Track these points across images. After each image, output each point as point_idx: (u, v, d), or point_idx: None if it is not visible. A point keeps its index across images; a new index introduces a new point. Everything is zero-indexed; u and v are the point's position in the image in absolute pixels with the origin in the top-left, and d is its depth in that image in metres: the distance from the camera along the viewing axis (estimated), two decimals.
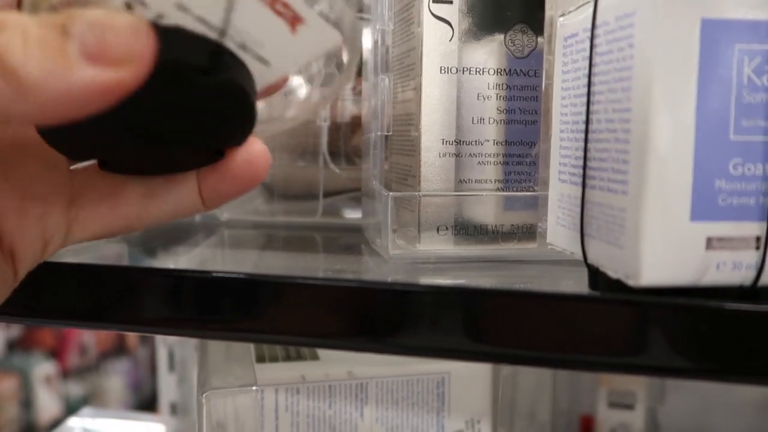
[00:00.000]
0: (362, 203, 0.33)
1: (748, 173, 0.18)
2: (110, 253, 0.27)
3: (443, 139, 0.26)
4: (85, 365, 1.57)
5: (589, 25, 0.21)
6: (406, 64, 0.27)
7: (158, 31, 0.15)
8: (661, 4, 0.18)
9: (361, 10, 0.33)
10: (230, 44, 0.17)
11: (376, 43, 0.28)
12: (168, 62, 0.15)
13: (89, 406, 1.47)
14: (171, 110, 0.16)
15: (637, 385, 0.46)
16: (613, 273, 0.20)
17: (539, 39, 0.27)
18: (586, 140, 0.21)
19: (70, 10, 0.14)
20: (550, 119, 0.26)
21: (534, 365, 0.20)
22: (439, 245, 0.26)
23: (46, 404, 1.42)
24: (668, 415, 0.47)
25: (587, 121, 0.21)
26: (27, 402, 1.39)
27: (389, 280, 0.22)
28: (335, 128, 0.35)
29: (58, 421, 1.17)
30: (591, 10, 0.21)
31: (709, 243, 0.18)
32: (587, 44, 0.21)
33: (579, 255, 0.22)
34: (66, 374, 1.51)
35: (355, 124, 0.35)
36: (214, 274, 0.21)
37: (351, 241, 0.33)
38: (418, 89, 0.26)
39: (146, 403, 1.61)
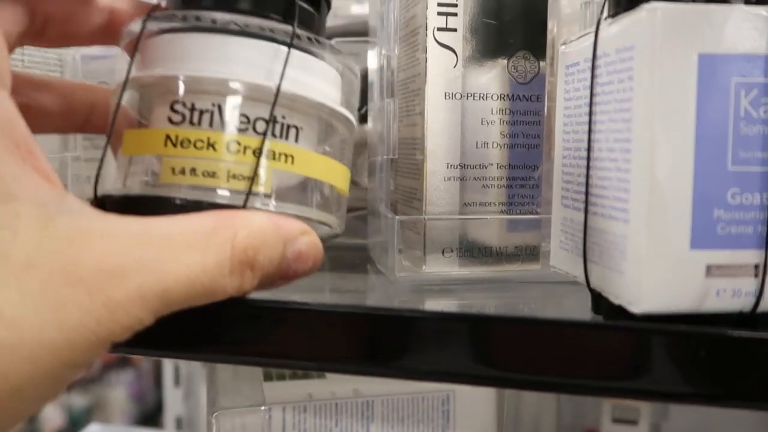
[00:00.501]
0: (368, 223, 0.34)
1: (745, 202, 0.19)
2: None
3: (448, 163, 0.27)
4: (89, 377, 1.57)
5: (590, 55, 0.22)
6: (411, 89, 0.28)
7: None
8: (659, 39, 0.18)
9: (366, 33, 0.34)
10: None
11: (382, 68, 0.29)
12: None
13: (93, 417, 1.47)
14: None
15: (641, 401, 0.47)
16: (615, 299, 0.20)
17: (541, 63, 0.27)
18: (588, 168, 0.22)
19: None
20: (553, 140, 0.26)
21: (538, 390, 0.20)
22: (444, 267, 0.27)
23: (50, 415, 1.42)
24: (672, 430, 0.48)
25: (589, 149, 0.22)
26: None
27: (395, 305, 0.23)
28: None
29: None
30: (592, 40, 0.22)
31: (709, 270, 0.19)
32: (588, 74, 0.22)
33: (581, 279, 0.22)
34: (70, 386, 1.51)
35: (360, 145, 0.36)
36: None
37: (356, 259, 0.33)
38: (423, 114, 0.27)
39: (149, 415, 1.61)
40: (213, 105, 0.21)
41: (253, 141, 0.21)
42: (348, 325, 0.22)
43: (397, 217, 0.26)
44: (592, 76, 0.21)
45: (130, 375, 1.64)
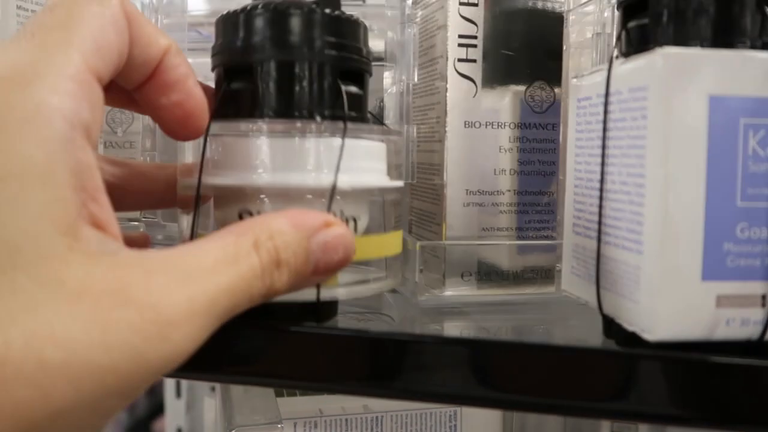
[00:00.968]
0: None
1: (753, 236, 0.20)
2: None
3: (467, 190, 0.28)
4: None
5: (602, 91, 0.23)
6: (429, 116, 0.29)
7: None
8: (672, 81, 0.19)
9: (381, 58, 0.35)
10: None
11: (401, 94, 0.30)
12: None
13: None
14: None
15: None
16: (628, 325, 0.21)
17: (556, 91, 0.28)
18: (601, 199, 0.23)
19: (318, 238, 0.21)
20: None
21: (552, 413, 0.21)
22: (463, 290, 0.28)
23: None
24: None
25: (602, 181, 0.23)
26: None
27: (416, 331, 0.24)
28: None
29: None
30: (604, 76, 0.23)
31: (719, 301, 0.20)
32: (601, 108, 0.23)
33: (593, 304, 0.23)
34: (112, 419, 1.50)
35: None
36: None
37: None
38: (442, 142, 0.28)
39: (141, 423, 1.60)
40: None
41: None
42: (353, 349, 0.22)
43: (418, 242, 0.27)
44: (605, 112, 0.22)
45: None
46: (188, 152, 0.25)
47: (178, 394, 0.64)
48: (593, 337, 0.24)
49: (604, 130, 0.22)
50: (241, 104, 0.24)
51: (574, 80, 0.25)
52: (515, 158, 0.28)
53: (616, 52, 0.23)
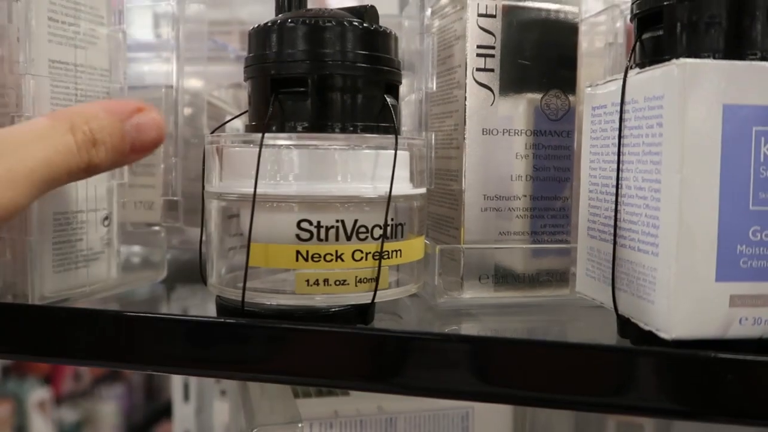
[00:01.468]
0: None
1: (765, 239, 0.21)
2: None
3: (484, 195, 0.29)
4: (79, 391, 1.56)
5: (618, 100, 0.24)
6: (447, 123, 0.30)
7: None
8: (688, 91, 0.20)
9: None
10: None
11: (420, 102, 0.31)
12: None
13: (84, 431, 1.47)
14: None
15: (645, 418, 0.48)
16: (644, 325, 0.22)
17: (572, 99, 0.29)
18: (616, 203, 0.23)
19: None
20: None
21: (571, 409, 0.22)
22: (480, 293, 0.29)
23: (40, 430, 1.41)
24: None
25: (617, 186, 0.23)
26: (21, 428, 1.39)
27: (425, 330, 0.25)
28: None
29: None
30: (618, 85, 0.23)
31: (733, 301, 0.21)
32: (616, 117, 0.24)
33: (608, 305, 0.24)
34: (60, 400, 1.50)
35: None
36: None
37: None
38: (461, 149, 0.28)
39: (140, 429, 1.60)
40: (337, 221, 0.25)
41: (372, 247, 0.25)
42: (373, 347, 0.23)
43: (438, 246, 0.28)
44: (620, 120, 0.23)
45: (120, 389, 1.63)
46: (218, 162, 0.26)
47: (186, 397, 0.65)
48: (607, 337, 0.25)
49: (620, 137, 0.23)
50: (294, 115, 0.25)
51: (589, 89, 0.26)
52: (531, 164, 0.29)
53: (630, 63, 0.24)
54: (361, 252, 0.25)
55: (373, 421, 0.36)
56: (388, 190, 0.25)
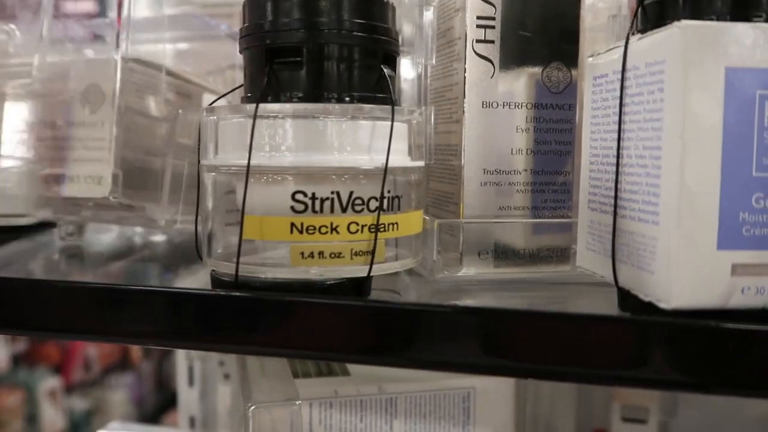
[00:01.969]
0: None
1: None
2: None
3: (484, 169, 0.28)
4: (90, 380, 1.58)
5: (619, 68, 0.23)
6: (447, 97, 0.29)
7: None
8: (689, 54, 0.20)
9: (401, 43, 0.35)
10: None
11: (419, 76, 0.30)
12: None
13: (93, 420, 1.48)
14: None
15: (650, 400, 0.48)
16: (644, 296, 0.22)
17: (573, 73, 0.29)
18: (617, 173, 0.23)
19: None
20: None
21: (574, 381, 0.22)
22: (479, 268, 0.28)
23: (51, 419, 1.42)
24: (680, 429, 0.49)
25: (618, 156, 0.23)
26: (32, 416, 1.40)
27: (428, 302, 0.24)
28: None
29: None
30: (620, 53, 0.23)
31: (734, 269, 0.20)
32: (617, 85, 0.23)
33: (608, 278, 0.24)
34: (70, 389, 1.51)
35: None
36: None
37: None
38: (461, 123, 0.28)
39: (150, 417, 1.62)
40: (332, 193, 0.24)
41: (368, 219, 0.24)
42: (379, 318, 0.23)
43: (437, 220, 0.28)
44: (622, 87, 0.23)
45: (130, 378, 1.64)
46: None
47: (191, 382, 0.65)
48: (609, 311, 0.24)
49: (621, 105, 0.23)
50: (289, 85, 0.25)
51: (590, 59, 0.26)
52: (531, 138, 0.29)
53: (632, 29, 0.24)
54: (357, 224, 0.24)
55: (373, 401, 0.36)
56: (385, 161, 0.24)
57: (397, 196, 0.26)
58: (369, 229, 0.24)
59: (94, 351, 1.57)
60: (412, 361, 0.23)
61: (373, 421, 0.36)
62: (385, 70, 0.26)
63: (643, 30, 0.23)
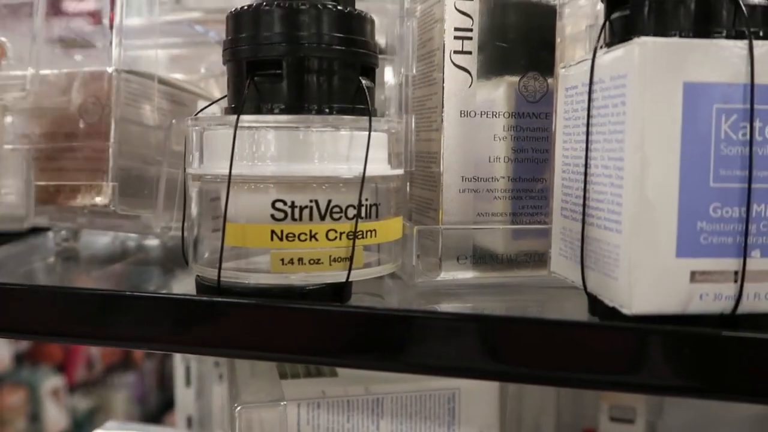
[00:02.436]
0: None
1: (726, 216, 0.21)
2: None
3: (463, 176, 0.29)
4: (92, 379, 1.59)
5: (587, 80, 0.24)
6: (427, 106, 0.30)
7: None
8: (649, 69, 0.20)
9: (382, 51, 0.36)
10: None
11: (400, 85, 0.31)
12: None
13: (96, 419, 1.49)
14: None
15: (637, 400, 0.49)
16: (609, 302, 0.22)
17: (549, 82, 0.30)
18: (585, 182, 0.24)
19: None
20: None
21: (541, 384, 0.22)
22: (458, 273, 0.29)
23: (54, 418, 1.43)
24: (667, 428, 0.50)
25: (586, 166, 0.24)
26: (34, 415, 1.41)
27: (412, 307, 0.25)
28: None
29: None
30: (589, 66, 0.24)
31: (693, 276, 0.21)
32: (586, 97, 0.24)
33: (579, 284, 0.25)
34: (73, 388, 1.52)
35: None
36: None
37: None
38: (440, 131, 0.29)
39: (152, 416, 1.63)
40: (311, 201, 0.25)
41: (347, 226, 0.25)
42: (358, 324, 0.24)
43: (415, 227, 0.29)
44: (589, 100, 0.24)
45: (132, 377, 1.65)
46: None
47: (188, 382, 0.66)
48: (580, 316, 0.25)
49: (588, 116, 0.24)
50: (270, 97, 0.26)
51: (563, 70, 0.26)
52: (509, 146, 0.29)
53: (600, 42, 0.24)
54: (336, 231, 0.25)
55: (360, 401, 0.37)
56: (363, 170, 0.25)
57: (376, 204, 0.27)
58: (347, 236, 0.25)
59: (96, 350, 1.58)
60: (388, 363, 0.24)
61: (360, 422, 0.37)
62: (364, 82, 0.26)
63: (610, 44, 0.24)
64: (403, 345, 0.24)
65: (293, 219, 0.25)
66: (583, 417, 0.51)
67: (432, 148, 0.30)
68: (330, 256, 0.25)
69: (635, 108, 0.21)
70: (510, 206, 0.30)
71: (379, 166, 0.27)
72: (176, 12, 0.45)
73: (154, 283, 0.33)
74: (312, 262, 0.25)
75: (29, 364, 1.46)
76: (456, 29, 0.29)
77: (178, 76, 0.40)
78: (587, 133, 0.24)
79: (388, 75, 0.35)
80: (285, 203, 0.25)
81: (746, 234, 0.21)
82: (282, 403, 0.33)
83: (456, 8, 0.29)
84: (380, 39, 0.34)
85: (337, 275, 0.25)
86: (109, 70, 0.34)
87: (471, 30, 0.29)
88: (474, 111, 0.29)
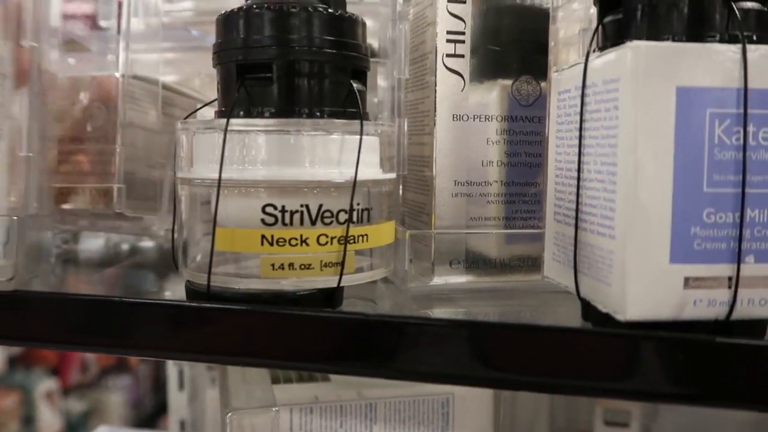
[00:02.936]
0: None
1: (719, 221, 0.21)
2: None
3: (455, 181, 0.29)
4: (87, 382, 1.58)
5: (580, 84, 0.24)
6: (420, 110, 0.30)
7: None
8: (641, 73, 0.20)
9: (374, 54, 0.36)
10: None
11: (393, 89, 0.31)
12: None
13: (91, 422, 1.48)
14: None
15: (632, 404, 0.49)
16: (602, 308, 0.22)
17: (542, 85, 0.29)
18: (578, 188, 0.24)
19: None
20: None
21: (533, 390, 0.22)
22: (451, 277, 0.29)
23: (48, 421, 1.43)
24: None
25: (579, 171, 0.24)
26: (28, 418, 1.40)
27: (402, 313, 0.25)
28: None
29: None
30: (581, 69, 0.24)
31: (687, 282, 0.21)
32: (578, 101, 0.24)
33: (572, 289, 0.24)
34: (67, 391, 1.52)
35: None
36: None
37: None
38: (432, 134, 0.29)
39: (147, 420, 1.62)
40: (302, 206, 0.25)
41: (338, 231, 0.25)
42: (352, 330, 0.24)
43: (408, 231, 0.28)
44: (582, 104, 0.23)
45: (127, 380, 1.65)
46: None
47: (181, 386, 0.65)
48: (573, 321, 0.25)
49: (581, 121, 0.23)
50: (260, 100, 0.25)
51: (555, 74, 0.26)
52: (502, 150, 0.29)
53: (593, 46, 0.24)
54: (326, 236, 0.25)
55: (353, 406, 0.37)
56: (354, 174, 0.25)
57: (368, 208, 0.26)
58: (339, 240, 0.25)
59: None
60: (379, 370, 0.24)
61: (353, 427, 0.37)
62: (355, 85, 0.26)
63: (603, 47, 0.24)
64: (395, 351, 0.24)
65: (284, 224, 0.25)
66: (578, 421, 0.51)
67: (424, 151, 0.30)
68: (321, 261, 0.25)
69: (628, 112, 0.21)
70: (503, 210, 0.30)
71: (371, 170, 0.27)
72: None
73: (146, 288, 0.32)
74: (303, 267, 0.25)
75: (23, 367, 1.45)
76: (448, 32, 0.29)
77: (170, 78, 0.40)
78: (580, 138, 0.23)
79: (381, 78, 0.34)
80: (275, 208, 0.25)
81: (740, 239, 0.20)
82: (274, 409, 0.33)
83: (448, 11, 0.29)
84: (373, 42, 0.34)
85: (328, 280, 0.25)
86: (117, 75, 0.34)
87: (463, 33, 0.29)
88: (467, 114, 0.29)
